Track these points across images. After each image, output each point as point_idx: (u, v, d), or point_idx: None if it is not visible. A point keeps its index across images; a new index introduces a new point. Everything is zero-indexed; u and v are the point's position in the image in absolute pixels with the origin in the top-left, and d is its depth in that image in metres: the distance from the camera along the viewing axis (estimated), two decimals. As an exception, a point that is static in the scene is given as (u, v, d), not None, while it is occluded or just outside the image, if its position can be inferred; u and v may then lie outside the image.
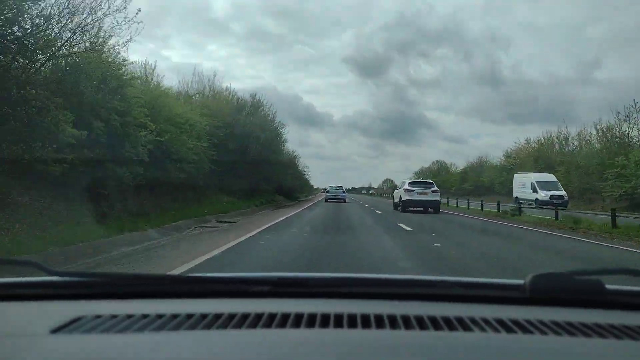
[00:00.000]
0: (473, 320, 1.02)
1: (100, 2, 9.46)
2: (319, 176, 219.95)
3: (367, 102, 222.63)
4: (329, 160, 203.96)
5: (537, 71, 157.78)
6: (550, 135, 43.80)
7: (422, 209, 21.17)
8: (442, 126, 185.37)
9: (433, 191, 21.34)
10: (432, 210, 21.06)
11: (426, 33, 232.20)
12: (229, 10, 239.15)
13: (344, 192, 38.05)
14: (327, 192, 38.67)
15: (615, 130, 32.59)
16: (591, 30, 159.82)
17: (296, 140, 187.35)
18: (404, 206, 21.19)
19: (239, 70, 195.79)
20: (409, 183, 22.42)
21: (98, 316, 1.02)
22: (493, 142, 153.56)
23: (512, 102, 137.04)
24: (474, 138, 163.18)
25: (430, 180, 23.72)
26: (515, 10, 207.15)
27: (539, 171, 35.64)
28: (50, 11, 8.65)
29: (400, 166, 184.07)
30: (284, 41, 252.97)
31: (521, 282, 1.17)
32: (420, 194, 21.12)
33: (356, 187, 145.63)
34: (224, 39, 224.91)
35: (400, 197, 22.09)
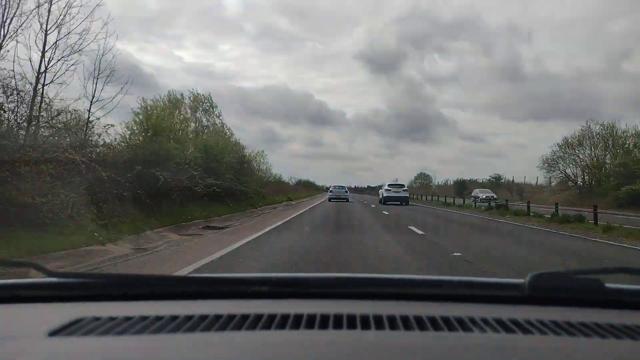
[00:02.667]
0: (472, 321, 1.01)
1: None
2: (335, 176, 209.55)
3: (380, 100, 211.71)
4: (343, 160, 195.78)
5: (560, 65, 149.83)
6: None
7: (400, 203, 31.13)
8: (460, 124, 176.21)
9: (404, 190, 33.05)
10: (403, 204, 31.08)
11: (442, 25, 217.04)
12: (241, 9, 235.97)
13: (346, 191, 40.42)
14: (330, 191, 41.03)
15: None
16: (618, 22, 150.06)
17: (309, 140, 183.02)
18: (385, 200, 31.91)
19: (252, 70, 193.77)
20: (388, 185, 33.96)
21: (97, 318, 1.02)
22: (512, 140, 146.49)
23: (533, 98, 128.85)
24: (493, 136, 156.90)
25: (402, 184, 35.30)
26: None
27: None
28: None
29: (416, 165, 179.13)
30: (296, 40, 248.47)
31: (521, 281, 1.16)
32: (395, 192, 32.21)
33: (372, 185, 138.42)
34: (236, 38, 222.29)
35: (382, 194, 33.59)
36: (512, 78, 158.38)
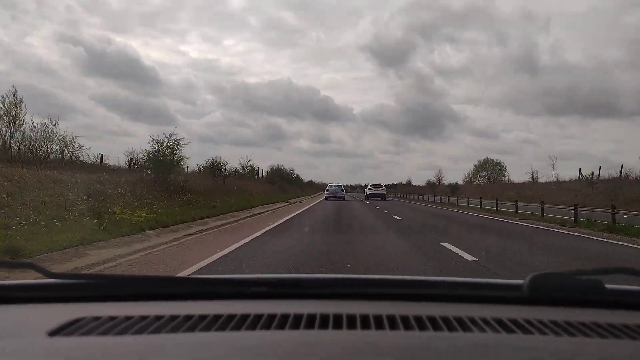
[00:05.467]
0: (472, 321, 1.02)
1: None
2: (343, 174, 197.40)
3: (388, 95, 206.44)
4: (350, 157, 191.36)
5: (577, 56, 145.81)
6: None
7: (379, 198, 41.79)
8: (470, 120, 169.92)
9: (382, 189, 44.15)
10: (382, 199, 41.73)
11: (452, 13, 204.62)
12: (245, 2, 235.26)
13: (342, 190, 42.99)
14: (327, 190, 43.05)
15: None
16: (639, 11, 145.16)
17: (316, 137, 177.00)
18: (368, 197, 42.82)
19: (257, 65, 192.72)
20: (371, 185, 45.25)
21: (96, 318, 1.02)
22: (525, 136, 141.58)
23: (549, 92, 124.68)
24: (505, 133, 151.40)
25: (381, 184, 45.73)
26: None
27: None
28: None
29: (425, 163, 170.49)
30: (301, 34, 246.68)
31: (521, 282, 1.17)
32: (376, 190, 43.39)
33: (384, 184, 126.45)
34: (241, 33, 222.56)
35: (367, 192, 44.93)
36: (526, 70, 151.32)
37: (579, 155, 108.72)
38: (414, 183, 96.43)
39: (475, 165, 68.91)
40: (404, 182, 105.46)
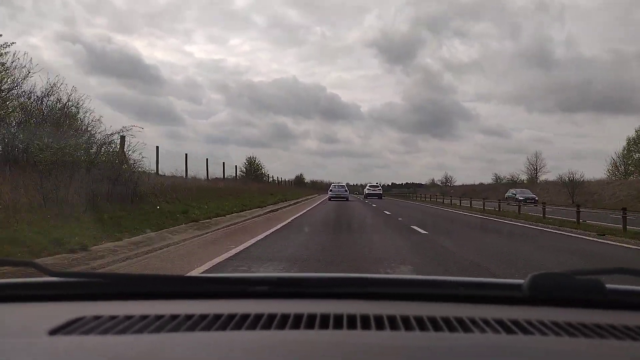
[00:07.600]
0: (473, 321, 1.01)
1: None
2: (351, 174, 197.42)
3: (396, 93, 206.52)
4: (359, 157, 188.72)
5: (593, 49, 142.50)
6: None
7: (376, 197, 46.94)
8: (482, 117, 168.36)
9: (378, 189, 50.45)
10: (379, 198, 47.10)
11: (461, 5, 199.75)
12: (250, 1, 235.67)
13: (346, 190, 42.41)
14: (330, 190, 42.51)
15: None
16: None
17: (323, 137, 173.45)
18: (366, 196, 48.39)
19: (263, 64, 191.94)
20: (369, 185, 51.66)
21: (97, 317, 1.02)
22: (538, 135, 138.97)
23: (563, 87, 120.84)
24: (517, 131, 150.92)
25: (377, 184, 53.65)
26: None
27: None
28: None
29: (434, 163, 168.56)
30: (307, 32, 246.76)
31: (521, 282, 1.16)
32: (373, 190, 49.18)
33: (398, 183, 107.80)
34: (246, 32, 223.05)
35: (365, 192, 50.99)
36: (539, 65, 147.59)
37: (595, 154, 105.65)
38: (461, 182, 76.85)
39: (630, 139, 39.18)
40: (437, 179, 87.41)
